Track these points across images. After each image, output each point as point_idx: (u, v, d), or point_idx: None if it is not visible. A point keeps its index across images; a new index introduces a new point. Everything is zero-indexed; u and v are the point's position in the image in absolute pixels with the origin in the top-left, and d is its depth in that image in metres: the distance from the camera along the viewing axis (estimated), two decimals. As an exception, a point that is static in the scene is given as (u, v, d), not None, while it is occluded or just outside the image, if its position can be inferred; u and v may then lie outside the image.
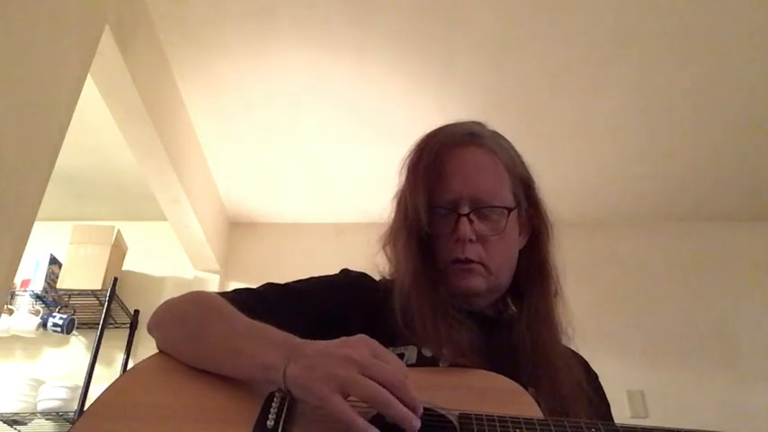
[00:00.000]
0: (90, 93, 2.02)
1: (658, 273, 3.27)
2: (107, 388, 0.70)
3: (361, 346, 0.62)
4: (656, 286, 3.23)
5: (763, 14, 2.24)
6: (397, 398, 0.58)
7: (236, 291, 0.85)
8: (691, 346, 3.04)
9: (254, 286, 0.88)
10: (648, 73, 2.53)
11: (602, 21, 2.32)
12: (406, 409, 0.58)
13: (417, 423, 0.58)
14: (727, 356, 3.01)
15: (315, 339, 0.66)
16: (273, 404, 0.64)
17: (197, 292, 0.84)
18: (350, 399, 0.59)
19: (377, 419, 0.59)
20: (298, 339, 0.66)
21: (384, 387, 0.58)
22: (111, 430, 0.64)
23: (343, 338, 0.64)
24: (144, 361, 0.75)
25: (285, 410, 0.64)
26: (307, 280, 0.89)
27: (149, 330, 0.80)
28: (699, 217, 3.36)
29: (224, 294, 0.81)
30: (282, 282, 0.89)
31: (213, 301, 0.78)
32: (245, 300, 0.80)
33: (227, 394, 0.67)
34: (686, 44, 2.39)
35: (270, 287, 0.87)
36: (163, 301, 0.82)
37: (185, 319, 0.77)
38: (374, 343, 0.64)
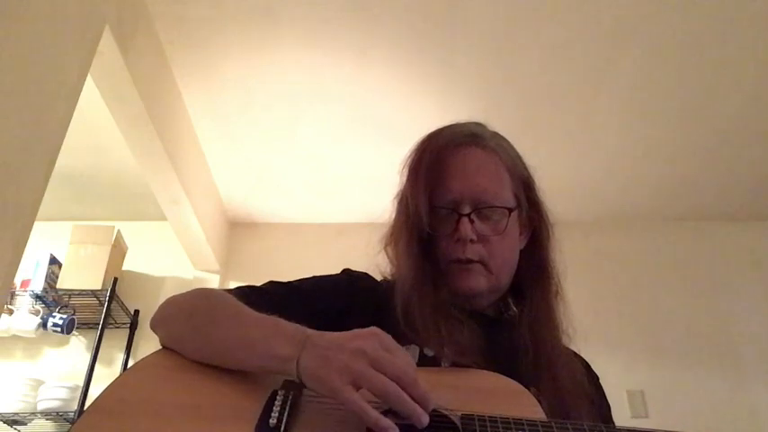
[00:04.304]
0: (90, 93, 2.02)
1: (658, 273, 3.27)
2: (110, 384, 0.69)
3: (372, 339, 0.63)
4: (656, 286, 3.23)
5: (765, 12, 2.24)
6: (408, 393, 0.59)
7: (238, 288, 0.85)
8: (691, 346, 3.05)
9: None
10: (648, 73, 2.53)
11: (602, 21, 2.32)
12: (415, 405, 0.59)
13: (426, 419, 0.60)
14: (727, 356, 3.01)
15: None
16: (276, 402, 0.64)
17: (201, 288, 0.84)
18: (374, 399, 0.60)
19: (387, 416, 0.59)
20: (309, 330, 0.66)
21: (394, 382, 0.59)
22: (114, 427, 0.64)
23: (355, 331, 0.65)
24: (146, 358, 0.75)
25: (288, 408, 0.64)
26: (309, 279, 0.89)
27: (153, 327, 0.80)
28: (699, 217, 3.36)
29: (226, 291, 0.81)
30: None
31: (219, 295, 0.79)
32: (247, 296, 0.79)
33: (230, 391, 0.67)
34: (686, 44, 2.39)
35: (272, 285, 0.87)
36: (163, 300, 0.82)
37: (192, 313, 0.76)
38: (386, 336, 0.64)
